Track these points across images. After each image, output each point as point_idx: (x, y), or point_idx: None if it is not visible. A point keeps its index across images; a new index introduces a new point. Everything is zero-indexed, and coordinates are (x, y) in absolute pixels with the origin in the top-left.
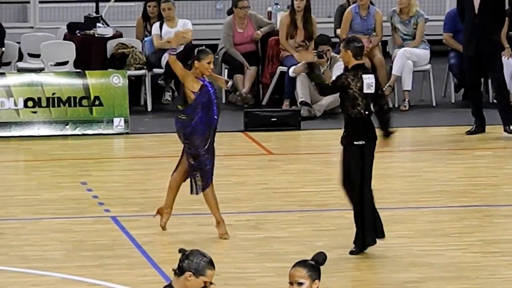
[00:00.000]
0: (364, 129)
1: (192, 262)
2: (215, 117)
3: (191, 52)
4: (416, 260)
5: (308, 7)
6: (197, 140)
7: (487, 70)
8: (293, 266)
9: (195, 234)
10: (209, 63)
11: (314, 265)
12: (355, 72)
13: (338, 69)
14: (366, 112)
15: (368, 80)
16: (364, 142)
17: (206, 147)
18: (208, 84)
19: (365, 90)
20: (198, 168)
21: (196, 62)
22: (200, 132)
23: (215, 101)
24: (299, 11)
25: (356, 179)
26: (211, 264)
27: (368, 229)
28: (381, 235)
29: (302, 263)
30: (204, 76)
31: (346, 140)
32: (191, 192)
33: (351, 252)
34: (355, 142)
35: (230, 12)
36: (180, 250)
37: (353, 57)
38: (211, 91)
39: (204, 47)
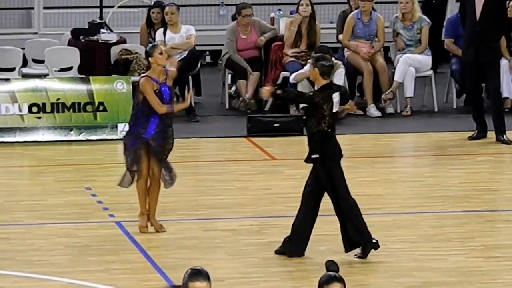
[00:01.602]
0: (324, 145)
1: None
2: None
3: (195, 58)
4: (418, 265)
5: (313, 14)
6: None
7: (485, 77)
8: (329, 282)
9: (200, 239)
10: (161, 53)
11: (339, 276)
12: (327, 92)
13: (339, 77)
14: (329, 130)
15: (336, 99)
16: (318, 156)
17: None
18: (163, 87)
19: (334, 110)
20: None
21: (150, 58)
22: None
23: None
24: (305, 18)
25: (330, 195)
26: (195, 275)
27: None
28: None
29: (335, 279)
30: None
31: (308, 156)
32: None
33: (359, 256)
34: (312, 156)
35: (234, 18)
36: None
37: (320, 75)
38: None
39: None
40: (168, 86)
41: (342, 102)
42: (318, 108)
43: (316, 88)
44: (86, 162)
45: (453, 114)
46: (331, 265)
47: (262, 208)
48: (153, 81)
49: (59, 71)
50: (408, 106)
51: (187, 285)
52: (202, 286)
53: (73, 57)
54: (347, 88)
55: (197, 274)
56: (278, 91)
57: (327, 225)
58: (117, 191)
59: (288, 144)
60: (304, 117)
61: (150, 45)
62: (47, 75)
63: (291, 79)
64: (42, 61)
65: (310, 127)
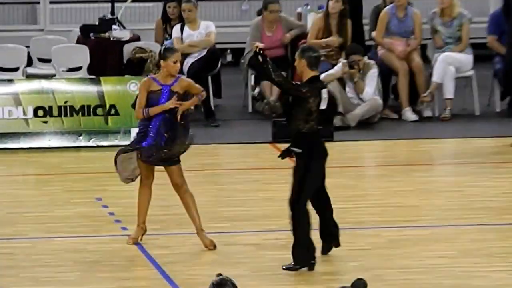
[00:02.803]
0: (312, 146)
1: None
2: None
3: (215, 57)
4: (458, 283)
5: (345, 11)
6: None
7: None
8: None
9: (220, 255)
10: (175, 62)
11: None
12: (315, 86)
13: (372, 77)
14: (318, 129)
15: (325, 95)
16: (300, 151)
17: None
18: (165, 88)
19: (322, 106)
20: None
21: (161, 61)
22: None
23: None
24: (334, 14)
25: (294, 191)
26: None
27: (301, 249)
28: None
29: None
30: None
31: (305, 149)
32: None
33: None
34: (292, 148)
35: (260, 13)
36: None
37: (308, 66)
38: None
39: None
40: (172, 90)
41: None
42: (304, 102)
43: (303, 80)
44: (96, 170)
45: (496, 118)
46: (359, 285)
47: (289, 221)
48: (154, 81)
49: (67, 71)
50: (447, 109)
51: None
52: None
53: (82, 56)
54: (381, 88)
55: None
56: (266, 61)
57: (359, 239)
58: (130, 202)
59: None
60: (285, 115)
61: (168, 46)
62: (54, 75)
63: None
64: (48, 60)
65: (298, 126)
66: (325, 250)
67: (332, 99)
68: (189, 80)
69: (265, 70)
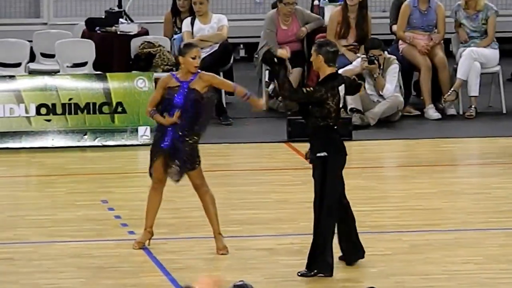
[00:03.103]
0: (329, 141)
1: None
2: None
3: (227, 52)
4: None
5: (364, 3)
6: None
7: None
8: None
9: (232, 260)
10: (194, 58)
11: None
12: (332, 84)
13: (392, 73)
14: (335, 127)
15: (342, 92)
16: (326, 154)
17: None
18: (183, 85)
19: (340, 104)
20: None
21: (180, 57)
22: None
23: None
24: (353, 7)
25: (316, 193)
26: None
27: (320, 254)
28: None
29: None
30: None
31: (311, 154)
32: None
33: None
34: (318, 154)
35: (274, 6)
36: None
37: (325, 62)
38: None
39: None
40: (190, 87)
41: (352, 91)
42: (322, 104)
43: (320, 78)
44: (102, 171)
45: None
46: None
47: (304, 224)
48: (173, 78)
49: (71, 67)
50: (472, 106)
51: None
52: None
53: (88, 51)
54: (402, 85)
55: None
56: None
57: (379, 243)
58: (137, 204)
59: None
60: (301, 112)
61: (186, 42)
62: (58, 71)
63: None
64: (52, 56)
65: (314, 123)
66: (349, 261)
67: (352, 85)
68: (211, 74)
69: (277, 74)
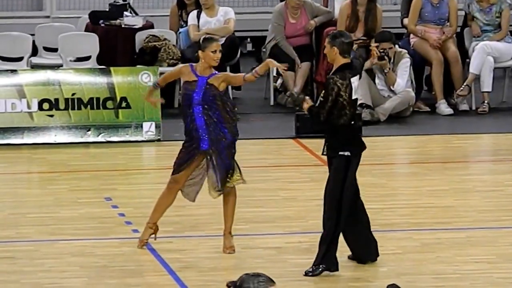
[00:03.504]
0: (349, 139)
1: None
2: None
3: (234, 45)
4: None
5: None
6: None
7: None
8: None
9: (239, 259)
10: (214, 52)
11: None
12: (343, 74)
13: (404, 68)
14: (352, 122)
15: (355, 84)
16: (349, 153)
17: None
18: (201, 80)
19: (353, 96)
20: None
21: (200, 52)
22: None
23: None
24: (362, 0)
25: (331, 189)
26: (270, 281)
27: (330, 254)
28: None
29: None
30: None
31: (330, 151)
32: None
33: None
34: (340, 153)
35: None
36: (228, 284)
37: (340, 54)
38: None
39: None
40: (209, 82)
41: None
42: (338, 97)
43: (333, 69)
44: (105, 168)
45: None
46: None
47: (312, 222)
48: (191, 71)
49: (74, 61)
50: (485, 102)
51: None
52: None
53: (91, 45)
54: (414, 80)
55: (269, 280)
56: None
57: (389, 242)
58: (141, 202)
59: None
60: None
61: (206, 36)
62: (61, 65)
63: None
64: (55, 50)
65: (333, 120)
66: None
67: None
68: (223, 73)
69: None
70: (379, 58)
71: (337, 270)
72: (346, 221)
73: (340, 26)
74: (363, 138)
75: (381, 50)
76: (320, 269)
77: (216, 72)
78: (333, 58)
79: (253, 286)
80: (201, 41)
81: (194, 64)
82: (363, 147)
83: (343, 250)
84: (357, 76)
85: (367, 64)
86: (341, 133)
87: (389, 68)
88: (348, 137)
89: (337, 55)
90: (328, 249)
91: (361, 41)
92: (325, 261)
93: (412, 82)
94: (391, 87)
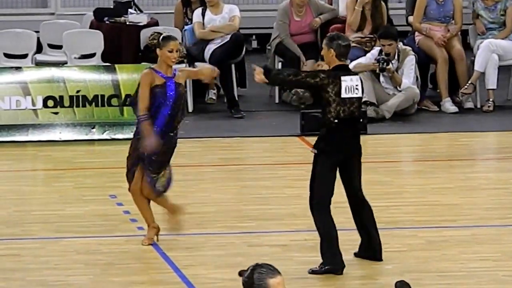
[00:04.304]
0: (324, 137)
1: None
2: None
3: (239, 43)
4: (502, 287)
5: None
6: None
7: None
8: None
9: (244, 257)
10: (171, 51)
11: None
12: (335, 73)
13: (409, 66)
14: (336, 121)
15: (350, 83)
16: (316, 151)
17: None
18: (169, 82)
19: (344, 95)
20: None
21: (157, 50)
22: None
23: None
24: None
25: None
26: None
27: (331, 254)
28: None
29: None
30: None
31: (318, 147)
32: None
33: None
34: (313, 148)
35: None
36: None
37: (336, 57)
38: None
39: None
40: (177, 83)
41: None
42: (321, 92)
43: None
44: (110, 165)
45: None
46: (403, 286)
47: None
48: (157, 74)
49: (79, 58)
50: (490, 100)
51: (267, 283)
52: (280, 281)
53: (96, 42)
54: (419, 77)
55: (274, 270)
56: (269, 77)
57: (394, 240)
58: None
59: None
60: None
61: (165, 34)
62: (66, 63)
63: (351, 68)
64: (59, 47)
65: (322, 115)
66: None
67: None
68: (185, 68)
69: (279, 83)
70: (380, 70)
71: (341, 273)
72: (354, 219)
73: (351, 21)
74: (367, 136)
75: (381, 58)
76: (324, 270)
77: (175, 69)
78: (329, 60)
79: (257, 282)
80: (160, 39)
81: (153, 65)
82: (341, 150)
83: (348, 248)
84: (357, 76)
85: (369, 66)
86: (321, 129)
87: (393, 72)
88: (324, 135)
89: (333, 58)
90: (327, 249)
91: (367, 38)
92: (329, 262)
93: (417, 78)
94: (398, 88)
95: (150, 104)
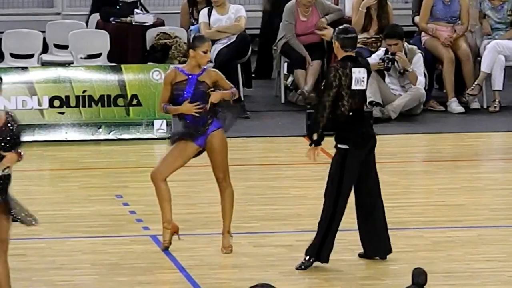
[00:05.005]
0: (347, 131)
1: None
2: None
3: (245, 43)
4: None
5: None
6: None
7: None
8: None
9: (250, 257)
10: (205, 52)
11: None
12: (344, 63)
13: (419, 64)
14: (350, 113)
15: (358, 75)
16: (347, 146)
17: None
18: (191, 78)
19: (354, 86)
20: None
21: (190, 50)
22: None
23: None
24: None
25: (334, 187)
26: None
27: (326, 246)
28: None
29: None
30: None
31: (348, 141)
32: None
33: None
34: (338, 145)
35: None
36: None
37: (341, 48)
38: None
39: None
40: (199, 80)
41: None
42: (339, 88)
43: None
44: (116, 165)
45: None
46: (420, 275)
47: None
48: (180, 72)
49: (85, 58)
50: (497, 100)
51: None
52: None
53: (102, 42)
54: (426, 74)
55: None
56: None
57: (400, 240)
58: (152, 199)
59: None
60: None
61: (198, 35)
62: (72, 63)
63: None
64: (65, 47)
65: (332, 111)
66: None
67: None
68: (217, 71)
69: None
70: (386, 69)
71: (327, 262)
72: (361, 219)
73: (355, 22)
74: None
75: (386, 58)
76: (311, 261)
77: (206, 67)
78: (336, 52)
79: None
80: (192, 39)
81: (179, 65)
82: (367, 140)
83: (354, 248)
84: (365, 69)
85: (374, 66)
86: (339, 124)
87: (410, 68)
88: (346, 129)
89: (339, 49)
90: (323, 241)
91: (373, 39)
92: (316, 253)
93: (425, 75)
94: (413, 85)
95: (172, 100)
